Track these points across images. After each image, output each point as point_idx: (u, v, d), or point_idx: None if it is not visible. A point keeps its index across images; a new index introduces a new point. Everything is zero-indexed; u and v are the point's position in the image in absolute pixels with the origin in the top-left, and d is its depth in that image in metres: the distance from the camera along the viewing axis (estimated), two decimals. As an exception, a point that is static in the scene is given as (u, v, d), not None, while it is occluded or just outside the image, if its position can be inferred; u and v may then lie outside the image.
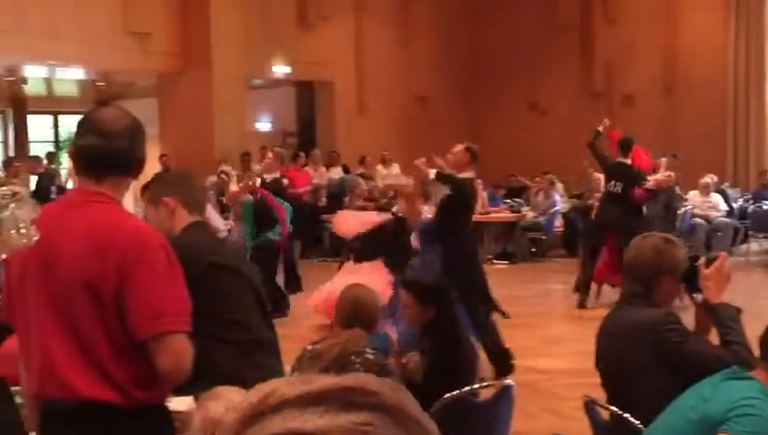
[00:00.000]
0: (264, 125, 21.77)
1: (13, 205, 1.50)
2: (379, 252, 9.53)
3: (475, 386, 4.39)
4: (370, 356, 3.99)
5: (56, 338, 2.76)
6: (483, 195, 16.82)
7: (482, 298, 8.00)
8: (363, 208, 11.34)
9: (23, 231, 1.54)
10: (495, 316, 8.48)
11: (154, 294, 2.71)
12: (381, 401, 0.89)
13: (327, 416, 0.87)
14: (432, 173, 8.11)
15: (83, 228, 2.76)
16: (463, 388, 4.16)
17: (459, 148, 8.74)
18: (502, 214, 16.33)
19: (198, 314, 2.86)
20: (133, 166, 2.90)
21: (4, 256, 1.59)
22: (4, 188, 1.44)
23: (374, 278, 9.44)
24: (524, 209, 16.81)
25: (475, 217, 15.79)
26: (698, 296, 3.65)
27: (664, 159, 13.92)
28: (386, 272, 9.45)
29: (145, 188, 3.43)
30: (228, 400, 2.55)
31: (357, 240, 9.86)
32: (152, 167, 18.66)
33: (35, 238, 1.58)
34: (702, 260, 3.62)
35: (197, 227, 3.48)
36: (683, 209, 14.88)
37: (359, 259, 9.62)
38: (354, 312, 4.21)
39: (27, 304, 2.82)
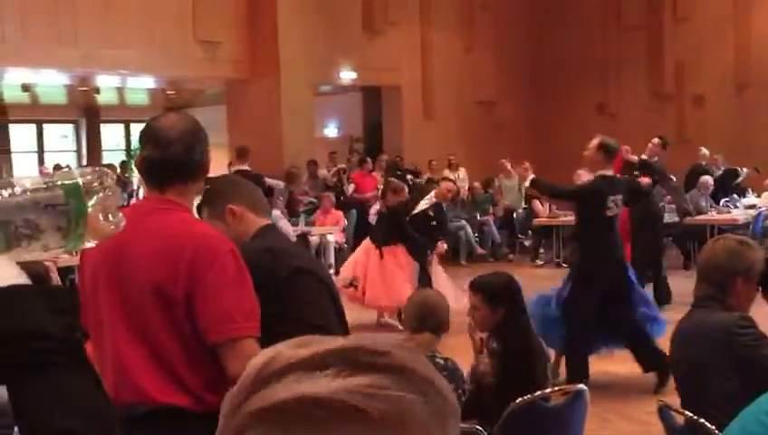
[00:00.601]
0: (331, 131, 21.90)
1: (101, 193, 1.53)
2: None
3: (548, 390, 4.35)
4: (440, 361, 3.98)
5: (129, 343, 2.78)
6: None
7: None
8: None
9: (111, 218, 1.57)
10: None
11: (224, 300, 2.72)
12: (391, 362, 0.86)
13: (338, 379, 0.84)
14: (529, 179, 8.01)
15: (154, 235, 2.78)
16: (534, 391, 4.12)
17: (593, 144, 8.25)
18: (570, 217, 16.18)
19: (284, 318, 2.91)
20: (194, 172, 2.90)
21: (89, 244, 1.62)
22: (93, 177, 1.47)
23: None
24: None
25: (543, 221, 15.88)
26: None
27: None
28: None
29: (201, 206, 3.35)
30: None
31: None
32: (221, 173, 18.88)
33: (123, 224, 1.61)
34: None
35: (272, 230, 3.45)
36: (758, 211, 14.63)
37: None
38: (423, 315, 4.20)
39: (99, 308, 2.85)
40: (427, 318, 4.19)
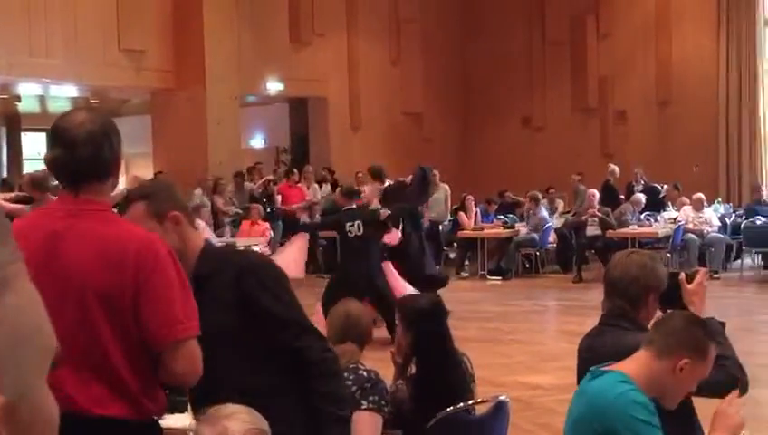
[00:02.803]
0: (257, 142, 21.81)
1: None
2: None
3: (470, 402, 4.36)
4: (364, 373, 3.98)
5: (70, 351, 2.63)
6: (475, 211, 16.88)
7: None
8: None
9: None
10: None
11: (168, 302, 2.70)
12: None
13: None
14: None
15: (89, 238, 2.72)
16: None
17: None
18: (495, 230, 16.35)
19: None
20: (105, 170, 2.82)
21: None
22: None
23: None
24: (518, 225, 16.84)
25: (468, 233, 16.01)
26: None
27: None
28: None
29: (133, 198, 3.11)
30: (224, 428, 2.51)
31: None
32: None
33: None
34: (682, 276, 3.60)
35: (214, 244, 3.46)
36: (677, 224, 14.93)
37: None
38: (346, 327, 4.19)
39: None
40: (350, 330, 4.18)
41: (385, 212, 10.16)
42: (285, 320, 3.09)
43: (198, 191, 15.63)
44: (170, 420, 4.19)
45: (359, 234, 10.01)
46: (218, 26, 16.84)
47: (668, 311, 3.58)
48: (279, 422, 2.73)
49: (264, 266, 3.24)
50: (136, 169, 20.75)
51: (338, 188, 13.50)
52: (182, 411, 4.21)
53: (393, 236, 10.78)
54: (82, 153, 2.75)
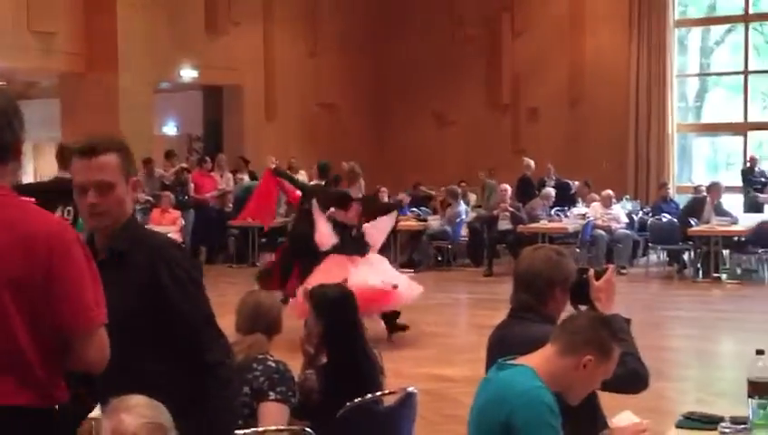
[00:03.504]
0: (170, 129, 21.53)
1: None
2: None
3: (378, 393, 4.37)
4: (272, 363, 3.96)
5: None
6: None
7: None
8: None
9: None
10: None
11: (80, 289, 2.64)
12: None
13: None
14: None
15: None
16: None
17: None
18: (408, 222, 16.41)
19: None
20: (5, 153, 2.71)
21: None
22: None
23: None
24: (430, 218, 16.92)
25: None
26: (582, 309, 3.68)
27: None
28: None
29: (92, 151, 3.03)
30: (119, 421, 2.47)
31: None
32: (54, 171, 18.28)
33: None
34: (591, 273, 3.65)
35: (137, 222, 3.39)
36: (586, 220, 15.16)
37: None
38: (255, 317, 4.17)
39: None
40: (259, 320, 4.15)
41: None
42: (190, 319, 3.04)
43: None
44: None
45: None
46: (132, 10, 16.55)
47: (578, 307, 3.64)
48: (180, 414, 2.71)
49: (177, 257, 3.13)
50: (44, 153, 20.33)
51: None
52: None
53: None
54: None
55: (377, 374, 4.48)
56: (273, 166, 12.46)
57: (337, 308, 4.51)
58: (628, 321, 3.59)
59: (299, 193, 12.44)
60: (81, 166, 3.06)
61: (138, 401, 2.52)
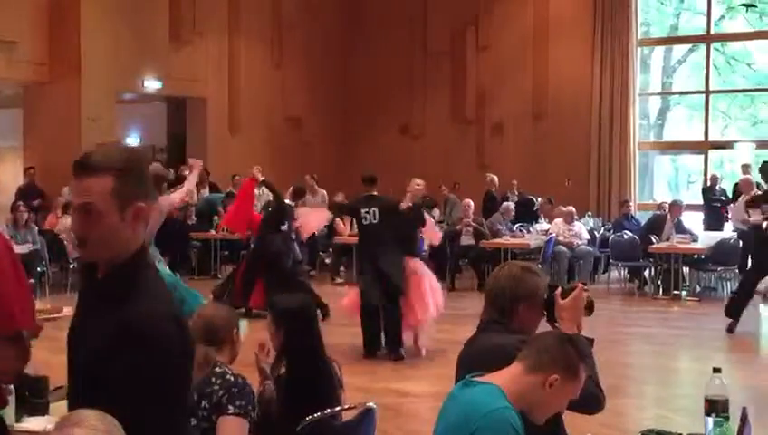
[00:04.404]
0: (133, 140, 21.39)
1: None
2: None
3: (338, 408, 4.36)
4: (230, 377, 3.94)
5: None
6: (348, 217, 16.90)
7: None
8: None
9: None
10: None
11: (6, 294, 2.63)
12: None
13: None
14: None
15: None
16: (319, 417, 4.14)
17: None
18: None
19: None
20: None
21: None
22: None
23: None
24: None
25: (344, 239, 16.01)
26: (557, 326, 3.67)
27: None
28: None
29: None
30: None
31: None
32: (15, 180, 18.16)
33: None
34: (558, 290, 3.62)
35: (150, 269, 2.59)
36: (549, 236, 15.23)
37: None
38: (208, 329, 4.13)
39: None
40: (209, 332, 4.12)
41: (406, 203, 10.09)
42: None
43: (66, 190, 15.24)
44: (29, 423, 4.07)
45: (374, 221, 9.89)
46: (95, 20, 16.46)
47: (554, 325, 3.63)
48: None
49: (150, 345, 2.34)
50: (5, 162, 20.13)
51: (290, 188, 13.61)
52: (43, 414, 4.12)
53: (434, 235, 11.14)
54: None
55: (335, 386, 4.48)
56: (262, 178, 12.44)
57: (296, 318, 4.52)
58: (591, 341, 3.58)
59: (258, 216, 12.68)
60: (72, 184, 2.50)
61: (89, 414, 2.47)
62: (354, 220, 10.65)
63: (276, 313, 4.56)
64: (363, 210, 9.92)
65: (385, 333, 9.76)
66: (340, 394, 4.49)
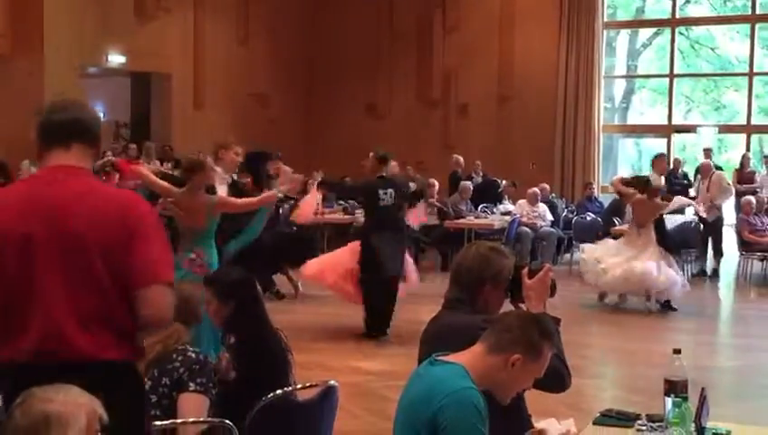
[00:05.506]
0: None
1: None
2: None
3: (299, 386, 4.37)
4: (192, 354, 3.94)
5: (66, 300, 2.95)
6: (318, 196, 16.81)
7: None
8: None
9: None
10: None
11: (157, 251, 3.04)
12: None
13: None
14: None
15: (89, 200, 3.02)
16: (274, 384, 4.17)
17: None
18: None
19: None
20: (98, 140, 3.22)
21: None
22: None
23: None
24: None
25: (311, 219, 15.96)
26: (522, 306, 3.69)
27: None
28: None
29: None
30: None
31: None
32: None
33: None
34: (525, 270, 3.65)
35: None
36: (512, 217, 15.29)
37: None
38: (180, 308, 4.13)
39: (31, 263, 2.96)
40: (181, 310, 4.11)
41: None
42: None
43: (26, 163, 15.08)
44: None
45: (390, 203, 9.79)
46: (59, -8, 16.26)
47: (518, 305, 3.66)
48: None
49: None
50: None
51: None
52: None
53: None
54: None
55: (286, 350, 4.53)
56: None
57: (244, 287, 4.63)
58: (557, 320, 3.60)
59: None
60: None
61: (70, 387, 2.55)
62: (356, 202, 10.88)
63: (223, 285, 4.60)
64: (381, 191, 9.78)
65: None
66: (291, 360, 4.55)
